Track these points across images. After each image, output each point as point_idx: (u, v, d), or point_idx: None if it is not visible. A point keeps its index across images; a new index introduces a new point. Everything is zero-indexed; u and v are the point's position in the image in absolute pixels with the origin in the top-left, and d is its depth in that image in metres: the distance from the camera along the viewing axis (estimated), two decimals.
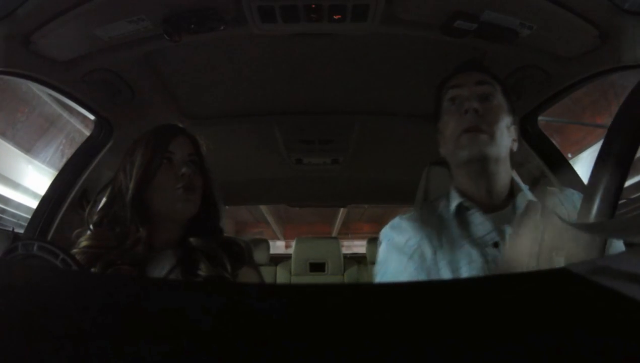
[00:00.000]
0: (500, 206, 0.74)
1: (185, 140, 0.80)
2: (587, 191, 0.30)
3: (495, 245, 0.70)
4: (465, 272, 0.68)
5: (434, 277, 0.69)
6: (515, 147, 0.77)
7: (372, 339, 0.19)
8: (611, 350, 0.17)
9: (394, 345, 0.18)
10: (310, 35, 1.00)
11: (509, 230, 0.71)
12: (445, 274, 0.69)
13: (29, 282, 0.28)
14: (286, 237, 6.36)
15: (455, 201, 0.75)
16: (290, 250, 2.41)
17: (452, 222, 0.74)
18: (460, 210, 0.74)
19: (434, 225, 0.74)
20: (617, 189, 0.29)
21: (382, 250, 0.77)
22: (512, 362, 0.17)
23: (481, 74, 0.79)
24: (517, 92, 1.14)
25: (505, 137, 0.74)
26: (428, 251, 0.71)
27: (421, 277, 0.70)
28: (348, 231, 6.15)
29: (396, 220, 0.79)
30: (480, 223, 0.72)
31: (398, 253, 0.73)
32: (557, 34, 0.92)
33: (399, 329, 0.19)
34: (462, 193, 0.76)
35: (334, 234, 5.84)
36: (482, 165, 0.73)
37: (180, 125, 0.85)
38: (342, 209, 4.60)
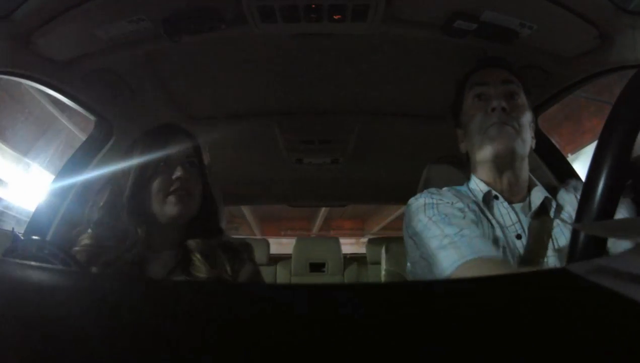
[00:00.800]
0: (519, 200, 0.76)
1: (185, 141, 0.80)
2: (586, 187, 0.30)
3: (518, 237, 0.71)
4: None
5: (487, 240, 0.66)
6: (534, 144, 0.78)
7: (373, 339, 0.19)
8: (610, 351, 0.17)
9: (395, 345, 0.18)
10: (310, 35, 0.99)
11: (527, 223, 0.72)
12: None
13: (29, 282, 0.28)
14: (264, 234, 6.14)
15: (482, 189, 0.76)
16: (270, 250, 2.39)
17: (472, 208, 0.72)
18: (486, 199, 0.75)
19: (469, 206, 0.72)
20: (617, 184, 0.29)
21: (423, 205, 0.72)
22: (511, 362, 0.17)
23: (506, 71, 0.79)
24: None
25: (529, 135, 0.76)
26: (474, 217, 0.69)
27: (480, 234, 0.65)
28: (329, 228, 6.03)
29: (430, 190, 0.77)
30: (506, 213, 0.73)
31: (451, 208, 0.69)
32: (557, 34, 0.92)
33: (398, 329, 0.19)
34: (486, 184, 0.76)
35: (314, 231, 5.74)
36: (510, 159, 0.73)
37: (181, 125, 0.85)
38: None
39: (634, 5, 0.79)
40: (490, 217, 0.72)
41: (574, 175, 1.18)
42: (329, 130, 1.47)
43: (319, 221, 5.56)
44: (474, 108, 0.77)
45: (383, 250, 1.53)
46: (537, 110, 1.20)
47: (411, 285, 0.36)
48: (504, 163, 0.74)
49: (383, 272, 1.53)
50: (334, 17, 0.89)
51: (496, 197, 0.74)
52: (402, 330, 0.19)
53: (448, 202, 0.71)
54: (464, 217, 0.67)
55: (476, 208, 0.72)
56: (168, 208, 0.74)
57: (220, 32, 0.92)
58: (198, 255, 0.74)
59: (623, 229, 0.29)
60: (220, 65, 1.14)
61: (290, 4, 0.85)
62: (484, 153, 0.75)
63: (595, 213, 0.29)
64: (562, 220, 0.73)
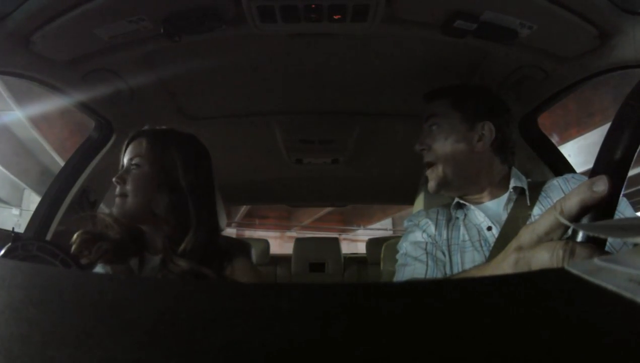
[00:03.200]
0: (493, 197, 0.86)
1: (137, 146, 0.81)
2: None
3: (489, 229, 0.82)
4: (457, 248, 0.83)
5: (436, 249, 0.84)
6: (481, 146, 0.85)
7: (372, 339, 0.19)
8: (610, 351, 0.17)
9: (391, 345, 0.18)
10: (310, 35, 0.99)
11: (503, 215, 0.82)
12: (444, 247, 0.84)
13: (29, 282, 0.28)
14: None
15: (455, 199, 0.89)
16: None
17: (455, 214, 0.88)
18: (457, 207, 0.88)
19: (444, 216, 0.89)
20: (621, 181, 0.29)
21: (405, 225, 0.94)
22: None
23: (430, 105, 0.90)
24: (516, 92, 1.14)
25: (459, 151, 0.84)
26: (432, 230, 0.87)
27: (429, 249, 0.85)
28: (253, 216, 5.71)
29: (417, 211, 0.97)
30: (476, 214, 0.85)
31: (416, 230, 0.89)
32: (557, 34, 0.92)
33: (395, 329, 0.19)
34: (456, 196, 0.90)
35: (237, 219, 5.51)
36: (445, 187, 0.86)
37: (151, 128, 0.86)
38: None
39: (634, 5, 0.79)
40: (460, 223, 0.86)
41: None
42: (329, 130, 1.47)
43: (242, 210, 5.27)
44: None
45: (383, 250, 1.53)
46: (537, 111, 1.20)
47: (406, 285, 0.36)
48: (445, 191, 0.87)
49: (382, 272, 1.53)
50: (334, 17, 0.89)
51: (465, 203, 0.87)
52: (398, 330, 0.19)
53: (417, 220, 0.90)
54: (424, 248, 0.84)
55: (444, 224, 0.87)
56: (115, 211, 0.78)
57: (220, 32, 0.92)
58: (192, 265, 0.74)
59: (623, 229, 0.29)
60: (220, 65, 1.14)
61: (290, 4, 0.85)
62: None
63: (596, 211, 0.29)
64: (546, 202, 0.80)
